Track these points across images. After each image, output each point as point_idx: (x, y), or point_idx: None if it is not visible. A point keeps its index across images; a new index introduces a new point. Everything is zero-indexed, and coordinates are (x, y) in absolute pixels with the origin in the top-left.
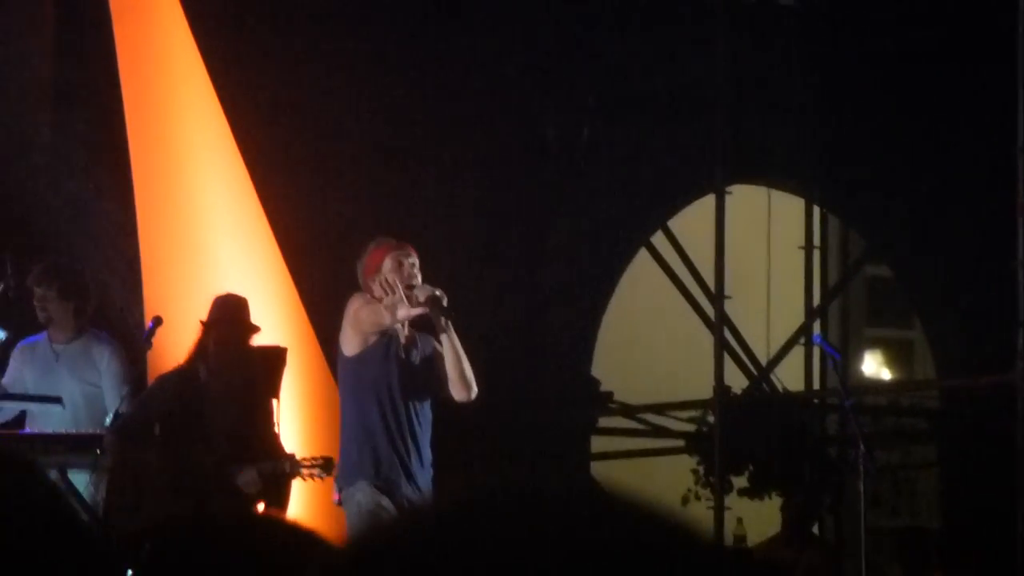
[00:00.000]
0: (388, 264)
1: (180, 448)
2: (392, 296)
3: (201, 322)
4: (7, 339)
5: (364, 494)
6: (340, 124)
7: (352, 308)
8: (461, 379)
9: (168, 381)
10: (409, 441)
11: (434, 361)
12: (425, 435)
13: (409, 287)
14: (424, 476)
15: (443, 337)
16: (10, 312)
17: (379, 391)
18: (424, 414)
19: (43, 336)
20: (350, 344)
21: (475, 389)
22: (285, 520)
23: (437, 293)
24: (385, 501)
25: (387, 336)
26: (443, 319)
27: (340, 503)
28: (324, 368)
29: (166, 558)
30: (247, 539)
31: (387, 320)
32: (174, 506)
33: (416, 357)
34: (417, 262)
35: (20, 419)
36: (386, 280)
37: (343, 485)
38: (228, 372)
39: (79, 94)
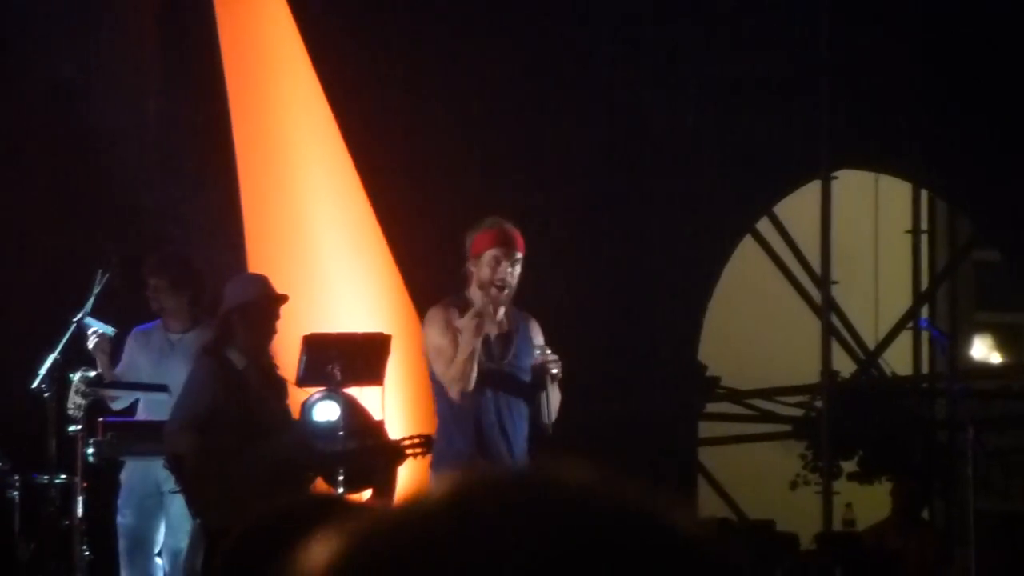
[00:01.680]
0: (487, 258)
1: (249, 438)
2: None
3: (227, 309)
4: (114, 335)
5: None
6: (444, 114)
7: (426, 327)
8: (539, 415)
9: (208, 370)
10: (499, 434)
11: (529, 357)
12: (519, 428)
13: (500, 288)
14: None
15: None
16: (117, 303)
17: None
18: (518, 407)
19: (157, 323)
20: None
21: (550, 424)
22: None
23: (554, 371)
24: None
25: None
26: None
27: None
28: None
29: (284, 550)
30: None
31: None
32: (273, 498)
33: (512, 353)
34: (519, 258)
35: (134, 406)
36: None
37: (434, 469)
38: (265, 353)
39: (184, 84)
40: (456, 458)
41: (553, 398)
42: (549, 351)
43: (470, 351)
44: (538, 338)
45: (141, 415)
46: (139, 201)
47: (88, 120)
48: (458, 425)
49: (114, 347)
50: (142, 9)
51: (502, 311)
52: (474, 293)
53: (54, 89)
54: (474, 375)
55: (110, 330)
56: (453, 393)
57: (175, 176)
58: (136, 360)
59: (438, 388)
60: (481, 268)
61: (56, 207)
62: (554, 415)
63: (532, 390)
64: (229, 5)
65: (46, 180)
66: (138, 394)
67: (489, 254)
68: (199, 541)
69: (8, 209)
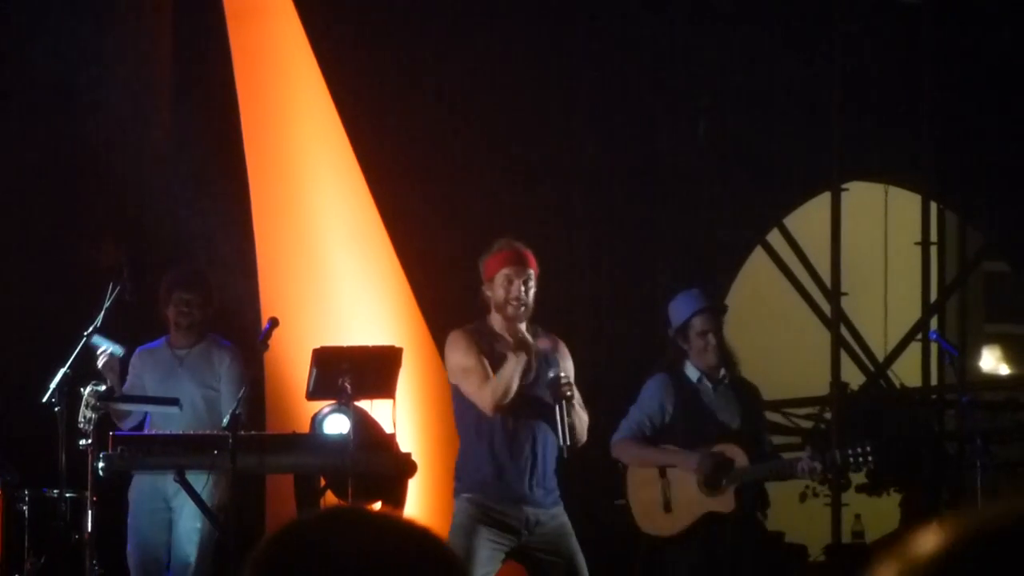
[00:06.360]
0: (500, 279)
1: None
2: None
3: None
4: (124, 354)
5: (463, 514)
6: (455, 130)
7: (449, 350)
8: (564, 438)
9: (661, 384)
10: (523, 463)
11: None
12: (547, 456)
13: (516, 306)
14: (543, 496)
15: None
16: (126, 317)
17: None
18: (541, 429)
19: (162, 342)
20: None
21: (578, 444)
22: (403, 517)
23: (568, 394)
24: (483, 528)
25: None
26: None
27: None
28: (439, 367)
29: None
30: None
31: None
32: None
33: (531, 375)
34: (532, 277)
35: (143, 422)
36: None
37: (456, 490)
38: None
39: (196, 95)
40: (478, 481)
41: (576, 419)
42: (563, 374)
43: (513, 372)
44: (565, 361)
45: (150, 431)
46: (149, 214)
47: (99, 132)
48: (479, 448)
49: (123, 367)
50: (155, 23)
51: (523, 326)
52: (494, 318)
53: (63, 101)
54: (512, 392)
55: (119, 350)
56: (488, 408)
57: (185, 189)
58: (141, 379)
59: (461, 410)
60: (495, 289)
61: (65, 220)
62: (571, 439)
63: (553, 412)
64: (241, 20)
65: (56, 193)
66: (147, 410)
67: (501, 274)
68: (208, 553)
69: (17, 222)
